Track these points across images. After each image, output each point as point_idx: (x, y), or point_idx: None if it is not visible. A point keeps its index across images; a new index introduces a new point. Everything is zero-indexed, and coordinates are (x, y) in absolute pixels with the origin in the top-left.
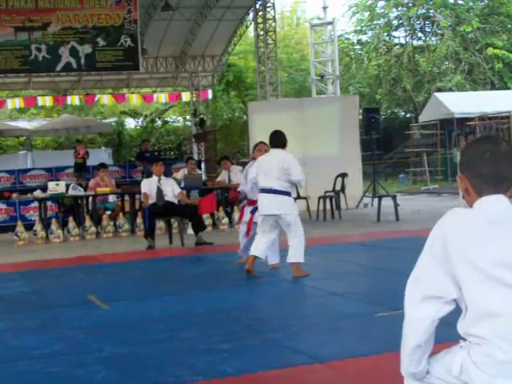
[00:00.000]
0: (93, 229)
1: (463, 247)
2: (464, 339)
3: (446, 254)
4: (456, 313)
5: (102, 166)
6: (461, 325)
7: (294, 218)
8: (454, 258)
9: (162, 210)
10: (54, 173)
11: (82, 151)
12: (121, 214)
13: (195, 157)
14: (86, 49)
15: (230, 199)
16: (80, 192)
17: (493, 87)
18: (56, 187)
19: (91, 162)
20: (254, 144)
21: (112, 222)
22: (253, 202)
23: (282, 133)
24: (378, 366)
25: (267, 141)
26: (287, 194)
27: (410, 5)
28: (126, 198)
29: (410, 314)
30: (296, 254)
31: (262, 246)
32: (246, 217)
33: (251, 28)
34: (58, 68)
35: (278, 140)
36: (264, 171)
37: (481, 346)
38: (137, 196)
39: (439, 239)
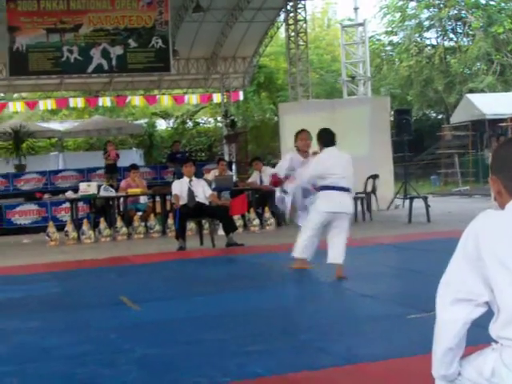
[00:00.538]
0: (124, 230)
1: (495, 249)
2: (496, 342)
3: (478, 255)
4: (488, 314)
5: (133, 167)
6: (493, 328)
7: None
8: (486, 259)
9: (193, 211)
10: (86, 174)
11: (114, 152)
12: (152, 215)
13: (226, 158)
14: (118, 50)
15: (272, 183)
16: (111, 193)
17: None
18: (87, 188)
19: (122, 163)
20: (296, 132)
21: (143, 223)
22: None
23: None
24: (408, 368)
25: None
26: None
27: (442, 6)
28: (157, 199)
29: (441, 317)
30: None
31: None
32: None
33: (282, 29)
34: (90, 69)
35: (333, 138)
36: (341, 167)
37: None
38: (168, 197)
39: (471, 241)
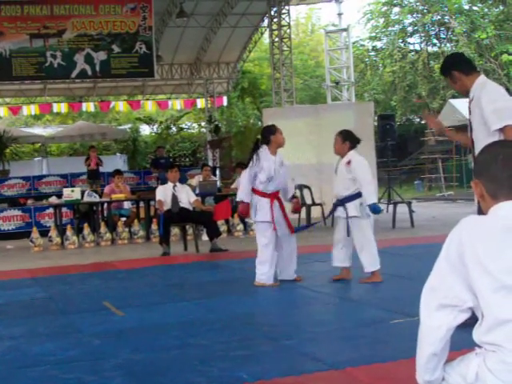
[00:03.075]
0: (108, 235)
1: (478, 254)
2: (480, 347)
3: (461, 261)
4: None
5: (117, 172)
6: (476, 332)
7: None
8: (469, 265)
9: (177, 216)
10: (69, 179)
11: (94, 160)
12: (136, 221)
13: (210, 163)
14: (101, 56)
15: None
16: (95, 198)
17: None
18: (71, 193)
19: (106, 168)
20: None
21: (127, 229)
22: None
23: None
24: (393, 372)
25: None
26: None
27: (425, 11)
28: (141, 204)
29: (425, 323)
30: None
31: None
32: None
33: (266, 35)
34: (73, 75)
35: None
36: None
37: (496, 353)
38: (152, 202)
39: (454, 246)
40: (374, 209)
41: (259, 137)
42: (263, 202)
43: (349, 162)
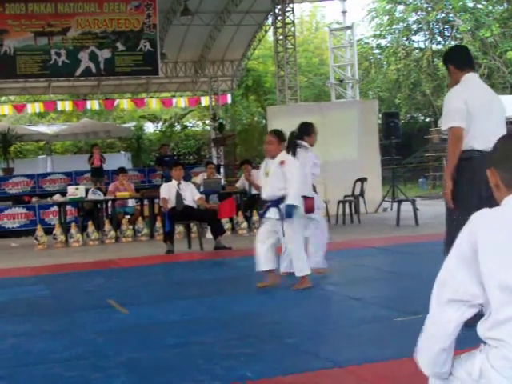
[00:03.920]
0: (112, 233)
1: (490, 245)
2: (484, 343)
3: (473, 253)
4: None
5: (122, 170)
6: (481, 327)
7: None
8: (480, 256)
9: (181, 214)
10: (74, 177)
11: (97, 157)
12: (140, 219)
13: (214, 161)
14: (106, 53)
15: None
16: (99, 196)
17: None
18: (75, 191)
19: (110, 166)
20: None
21: (131, 227)
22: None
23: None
24: (395, 370)
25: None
26: None
27: (430, 9)
28: (146, 202)
29: (435, 318)
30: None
31: None
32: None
33: (270, 33)
34: (78, 73)
35: None
36: None
37: (499, 349)
38: (156, 200)
39: (467, 239)
40: (288, 211)
41: (295, 131)
42: (316, 196)
43: (282, 162)
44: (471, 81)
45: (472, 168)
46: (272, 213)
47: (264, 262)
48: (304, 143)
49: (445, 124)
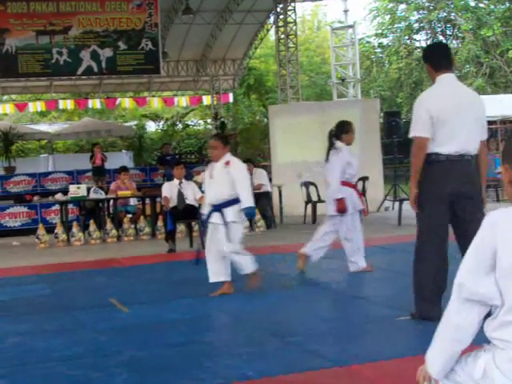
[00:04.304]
0: (114, 232)
1: (509, 243)
2: (489, 343)
3: (492, 255)
4: None
5: (123, 169)
6: (488, 327)
7: None
8: (499, 254)
9: (183, 213)
10: (75, 176)
11: (99, 156)
12: (142, 218)
13: None
14: (107, 52)
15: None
16: (101, 195)
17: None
18: (77, 190)
19: (112, 165)
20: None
21: (133, 226)
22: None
23: None
24: (398, 369)
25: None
26: None
27: (431, 8)
28: (147, 201)
29: (454, 320)
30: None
31: None
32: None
33: (272, 31)
34: (79, 72)
35: None
36: None
37: (506, 351)
38: (158, 199)
39: (487, 233)
40: (250, 213)
41: (333, 129)
42: (353, 193)
43: (228, 162)
44: (445, 82)
45: (432, 172)
46: (215, 217)
47: (212, 273)
48: (338, 144)
49: (410, 132)
